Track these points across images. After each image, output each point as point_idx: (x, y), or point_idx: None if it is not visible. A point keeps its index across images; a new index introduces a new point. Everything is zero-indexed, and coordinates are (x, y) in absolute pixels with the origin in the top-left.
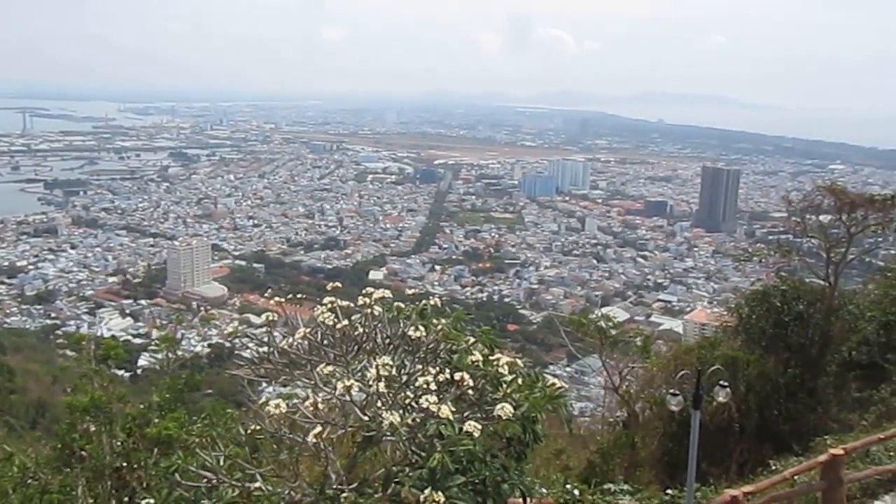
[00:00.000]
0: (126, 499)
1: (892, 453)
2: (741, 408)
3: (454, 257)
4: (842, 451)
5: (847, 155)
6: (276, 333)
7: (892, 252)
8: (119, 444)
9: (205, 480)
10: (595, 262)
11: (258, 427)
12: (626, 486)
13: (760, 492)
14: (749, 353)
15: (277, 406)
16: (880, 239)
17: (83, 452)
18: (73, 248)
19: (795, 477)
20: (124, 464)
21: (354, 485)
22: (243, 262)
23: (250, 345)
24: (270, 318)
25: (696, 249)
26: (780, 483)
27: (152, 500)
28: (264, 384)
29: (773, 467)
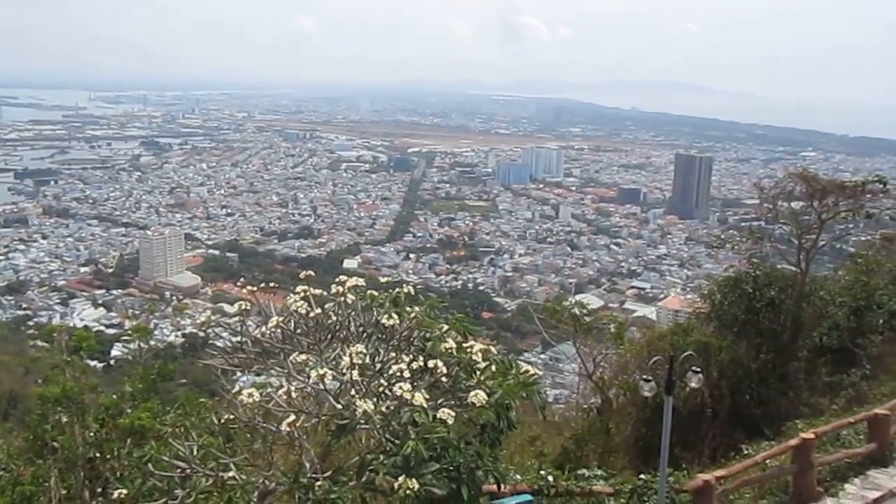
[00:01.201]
0: (99, 489)
1: (861, 437)
2: (714, 393)
3: (428, 246)
4: (812, 435)
5: (819, 142)
6: (249, 322)
7: (863, 238)
8: (92, 434)
9: (178, 470)
10: (569, 249)
11: (232, 416)
12: (599, 472)
13: (733, 476)
14: (721, 339)
15: (251, 395)
16: (851, 225)
17: (55, 443)
18: (44, 238)
19: (767, 461)
20: (97, 454)
21: (329, 473)
22: (217, 252)
23: (224, 334)
24: (243, 307)
25: (669, 236)
26: (751, 467)
27: (125, 491)
28: (238, 373)
29: (745, 452)
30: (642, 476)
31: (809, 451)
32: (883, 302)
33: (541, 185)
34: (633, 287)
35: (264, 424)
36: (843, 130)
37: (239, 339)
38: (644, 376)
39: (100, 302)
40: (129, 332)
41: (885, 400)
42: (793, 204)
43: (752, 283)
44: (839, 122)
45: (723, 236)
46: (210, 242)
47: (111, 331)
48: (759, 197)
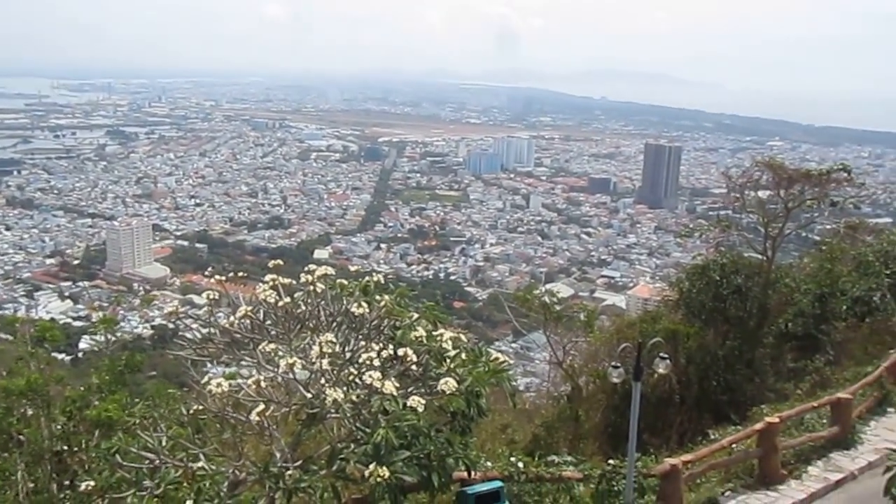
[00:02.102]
0: (67, 482)
1: (824, 420)
2: (682, 379)
3: (400, 235)
4: (777, 420)
5: (785, 132)
6: (219, 313)
7: (827, 226)
8: (59, 427)
9: (147, 461)
10: (540, 238)
11: (201, 407)
12: (569, 458)
13: (699, 460)
14: (689, 327)
15: (219, 385)
16: (816, 214)
17: (21, 437)
18: (7, 229)
19: (733, 445)
20: (64, 447)
21: (299, 462)
22: (185, 243)
23: (193, 325)
24: (212, 296)
25: (638, 226)
26: (718, 451)
27: (93, 483)
28: (209, 364)
29: (712, 436)
30: (611, 461)
31: (774, 435)
32: (846, 289)
33: (511, 175)
34: (603, 276)
35: (234, 415)
36: (809, 120)
37: (208, 329)
38: (613, 363)
39: (66, 294)
40: (96, 324)
41: (847, 385)
42: (760, 193)
43: (720, 271)
44: (805, 113)
45: (691, 225)
46: (178, 233)
47: (78, 323)
48: (727, 186)
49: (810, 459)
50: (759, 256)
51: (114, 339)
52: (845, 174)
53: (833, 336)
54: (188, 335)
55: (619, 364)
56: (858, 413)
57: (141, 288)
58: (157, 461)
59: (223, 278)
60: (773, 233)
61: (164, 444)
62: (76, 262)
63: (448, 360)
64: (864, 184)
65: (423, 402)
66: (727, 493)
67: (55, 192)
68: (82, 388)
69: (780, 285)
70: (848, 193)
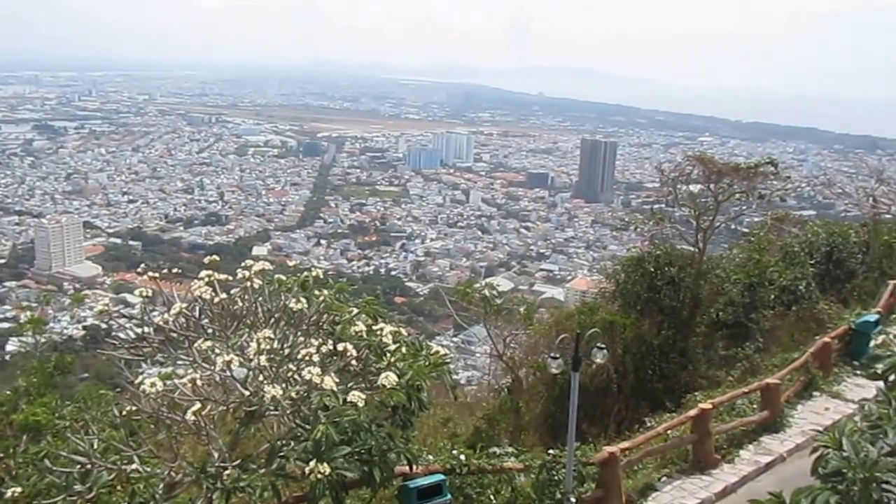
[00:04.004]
0: None
1: (754, 405)
2: (619, 369)
3: (340, 231)
4: (710, 406)
5: (715, 128)
6: (153, 311)
7: (755, 219)
8: None
9: (78, 465)
10: (480, 233)
11: (135, 408)
12: (510, 449)
13: (636, 447)
14: (625, 317)
15: (153, 385)
16: (745, 207)
17: None
18: None
19: (668, 432)
20: None
21: (238, 462)
22: (118, 240)
23: (126, 324)
24: (144, 293)
25: (576, 220)
26: (654, 438)
27: (20, 489)
28: (143, 364)
29: (648, 424)
30: (551, 451)
31: (707, 421)
32: (774, 278)
33: (451, 170)
34: (542, 269)
35: (169, 415)
36: (737, 116)
37: (142, 328)
38: (552, 354)
39: None
40: (24, 324)
41: (775, 370)
42: (691, 187)
43: (654, 262)
44: (734, 109)
45: (626, 219)
46: (111, 230)
47: (5, 325)
48: (660, 180)
49: (742, 443)
50: (692, 248)
51: (43, 340)
52: (772, 168)
53: (762, 324)
54: (121, 335)
55: (557, 355)
56: (786, 397)
57: (71, 287)
58: (89, 465)
59: (157, 275)
60: (704, 225)
61: (95, 447)
62: (2, 261)
63: (388, 355)
64: (789, 177)
65: (364, 397)
66: (663, 479)
67: None
68: (9, 392)
69: (712, 276)
70: (774, 187)
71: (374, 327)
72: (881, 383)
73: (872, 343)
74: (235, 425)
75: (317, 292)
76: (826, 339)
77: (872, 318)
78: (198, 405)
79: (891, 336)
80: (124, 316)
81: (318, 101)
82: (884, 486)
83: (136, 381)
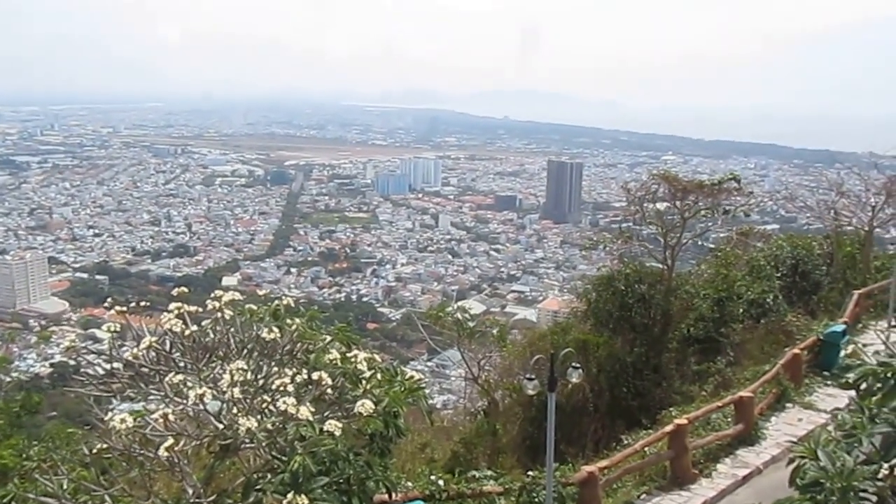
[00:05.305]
0: None
1: (729, 419)
2: (594, 388)
3: (310, 259)
4: (685, 421)
5: (678, 146)
6: (122, 346)
7: (721, 234)
8: None
9: None
10: (450, 257)
11: (105, 446)
12: (489, 472)
13: (615, 465)
14: (598, 336)
15: (123, 421)
16: (710, 223)
17: None
18: None
19: (646, 448)
20: None
21: (213, 497)
22: (85, 275)
23: (95, 360)
24: (112, 328)
25: (545, 241)
26: (631, 455)
27: None
28: (113, 401)
29: (625, 441)
30: (530, 473)
31: (683, 437)
32: (742, 292)
33: (420, 195)
34: (513, 291)
35: (141, 451)
36: (700, 135)
37: (111, 364)
38: (527, 376)
39: None
40: None
41: (748, 384)
42: (657, 205)
43: (624, 280)
44: (695, 128)
45: (595, 238)
46: (77, 265)
47: None
48: (627, 199)
49: (719, 457)
50: (660, 265)
51: (8, 379)
52: (735, 184)
53: (732, 338)
54: (90, 371)
55: (533, 376)
56: (760, 410)
57: (37, 324)
58: None
59: (125, 309)
60: (671, 242)
61: (65, 487)
62: None
63: (364, 382)
64: (752, 192)
65: (340, 425)
66: (643, 496)
67: None
68: None
69: (681, 292)
70: (738, 202)
71: (349, 354)
72: (853, 392)
73: (842, 353)
74: (210, 460)
75: (289, 321)
76: (796, 350)
77: (840, 328)
78: (171, 440)
79: (860, 345)
80: (93, 352)
81: (285, 129)
82: (860, 494)
83: (107, 418)
